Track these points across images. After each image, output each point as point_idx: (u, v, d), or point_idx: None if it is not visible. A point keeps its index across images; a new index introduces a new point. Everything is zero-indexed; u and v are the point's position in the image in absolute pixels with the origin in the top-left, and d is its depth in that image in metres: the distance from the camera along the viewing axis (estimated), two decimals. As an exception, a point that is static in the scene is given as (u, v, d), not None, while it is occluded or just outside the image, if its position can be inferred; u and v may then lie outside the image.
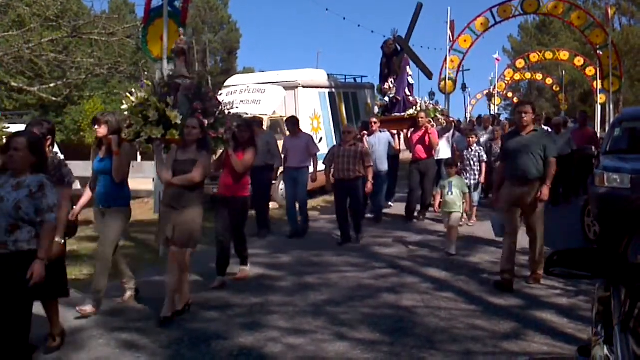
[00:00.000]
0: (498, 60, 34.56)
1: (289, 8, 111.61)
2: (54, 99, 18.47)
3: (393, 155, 11.41)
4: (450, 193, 8.08)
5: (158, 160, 5.88)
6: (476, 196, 10.73)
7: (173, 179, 5.56)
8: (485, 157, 10.43)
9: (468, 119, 28.71)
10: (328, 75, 16.11)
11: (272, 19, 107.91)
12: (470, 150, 10.43)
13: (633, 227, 3.10)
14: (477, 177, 10.30)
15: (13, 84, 17.66)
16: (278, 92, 13.91)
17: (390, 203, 12.18)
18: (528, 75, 40.19)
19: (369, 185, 8.87)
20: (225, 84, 15.96)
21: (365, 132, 10.95)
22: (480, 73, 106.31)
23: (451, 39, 20.47)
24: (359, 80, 18.01)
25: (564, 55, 31.98)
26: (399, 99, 12.34)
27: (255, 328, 5.17)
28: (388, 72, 12.44)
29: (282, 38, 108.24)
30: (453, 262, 7.59)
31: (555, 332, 4.97)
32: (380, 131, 10.98)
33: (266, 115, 13.06)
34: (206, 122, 5.89)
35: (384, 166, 10.60)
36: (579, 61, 30.39)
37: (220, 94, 8.20)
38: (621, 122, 9.79)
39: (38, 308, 4.43)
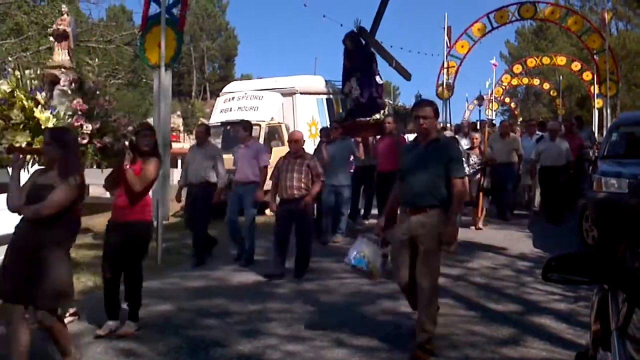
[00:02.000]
0: (495, 65, 34.59)
1: (286, 15, 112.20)
2: (51, 106, 18.44)
3: (367, 166, 10.16)
4: None
5: (12, 178, 4.31)
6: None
7: (23, 208, 4.16)
8: (467, 171, 8.87)
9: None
10: (326, 81, 16.14)
11: (270, 26, 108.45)
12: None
13: (631, 231, 3.11)
14: None
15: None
16: (276, 98, 13.94)
17: (366, 222, 10.87)
18: (525, 80, 40.22)
19: (308, 199, 7.25)
20: (223, 91, 16.00)
21: (325, 139, 9.73)
22: (477, 78, 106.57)
23: (448, 44, 20.53)
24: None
25: (561, 60, 32.04)
26: (364, 101, 10.59)
27: (254, 335, 5.16)
28: (351, 70, 10.65)
29: (280, 45, 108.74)
30: (451, 268, 7.58)
31: (554, 338, 4.96)
32: (343, 138, 9.72)
33: (264, 121, 13.08)
34: (90, 127, 4.57)
35: (345, 179, 9.34)
36: (576, 66, 30.45)
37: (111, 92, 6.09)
38: (618, 126, 9.83)
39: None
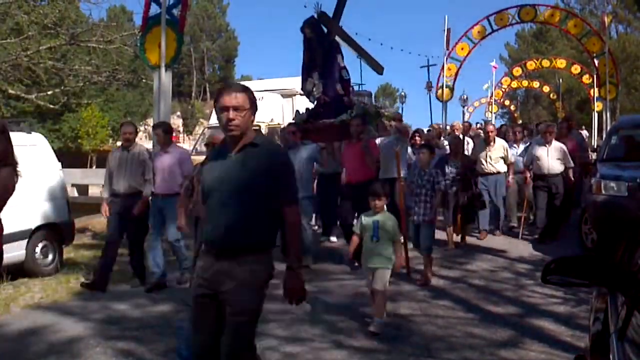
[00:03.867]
0: (495, 67, 34.67)
1: (286, 16, 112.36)
2: (51, 106, 18.51)
3: (332, 173, 8.60)
4: (374, 238, 5.34)
5: None
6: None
7: None
8: (443, 184, 7.28)
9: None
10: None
11: (270, 27, 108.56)
12: (423, 172, 7.14)
13: (630, 234, 3.11)
14: (429, 212, 7.01)
15: (11, 91, 17.71)
16: (276, 99, 13.98)
17: (333, 238, 9.60)
18: (525, 82, 40.29)
19: (181, 223, 5.82)
20: (223, 92, 16.03)
21: (282, 144, 8.45)
22: (477, 80, 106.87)
23: (448, 47, 20.57)
24: (356, 88, 18.06)
25: (560, 63, 32.09)
26: (327, 99, 8.82)
27: (253, 336, 5.15)
28: (312, 64, 8.90)
29: (280, 46, 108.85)
30: (450, 270, 7.58)
31: (553, 340, 4.96)
32: (303, 143, 8.14)
33: (263, 122, 13.11)
34: None
35: (304, 189, 7.55)
36: (575, 69, 30.49)
37: None
38: (618, 129, 9.81)
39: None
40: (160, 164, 7.06)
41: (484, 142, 9.69)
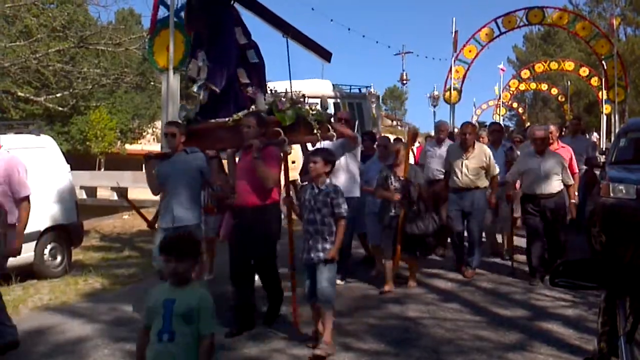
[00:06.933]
0: (503, 70, 34.61)
1: (293, 19, 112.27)
2: (60, 108, 18.65)
3: None
4: (165, 335, 3.06)
5: None
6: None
7: None
8: (344, 209, 4.97)
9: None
10: (333, 85, 16.14)
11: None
12: (317, 190, 5.03)
13: (638, 237, 3.10)
14: (329, 246, 4.92)
15: (20, 93, 17.82)
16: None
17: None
18: (533, 85, 40.15)
19: None
20: (231, 95, 16.03)
21: (152, 155, 6.16)
22: (485, 83, 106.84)
23: (456, 49, 20.54)
24: (363, 90, 18.06)
25: (569, 65, 31.95)
26: (216, 90, 5.97)
27: (260, 339, 5.16)
28: (197, 41, 6.41)
29: (286, 48, 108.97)
30: (458, 273, 7.55)
31: (562, 344, 4.95)
32: (187, 151, 5.63)
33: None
34: None
35: (189, 216, 5.49)
36: (584, 71, 30.34)
37: None
38: (627, 132, 9.76)
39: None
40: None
41: (460, 148, 7.47)
